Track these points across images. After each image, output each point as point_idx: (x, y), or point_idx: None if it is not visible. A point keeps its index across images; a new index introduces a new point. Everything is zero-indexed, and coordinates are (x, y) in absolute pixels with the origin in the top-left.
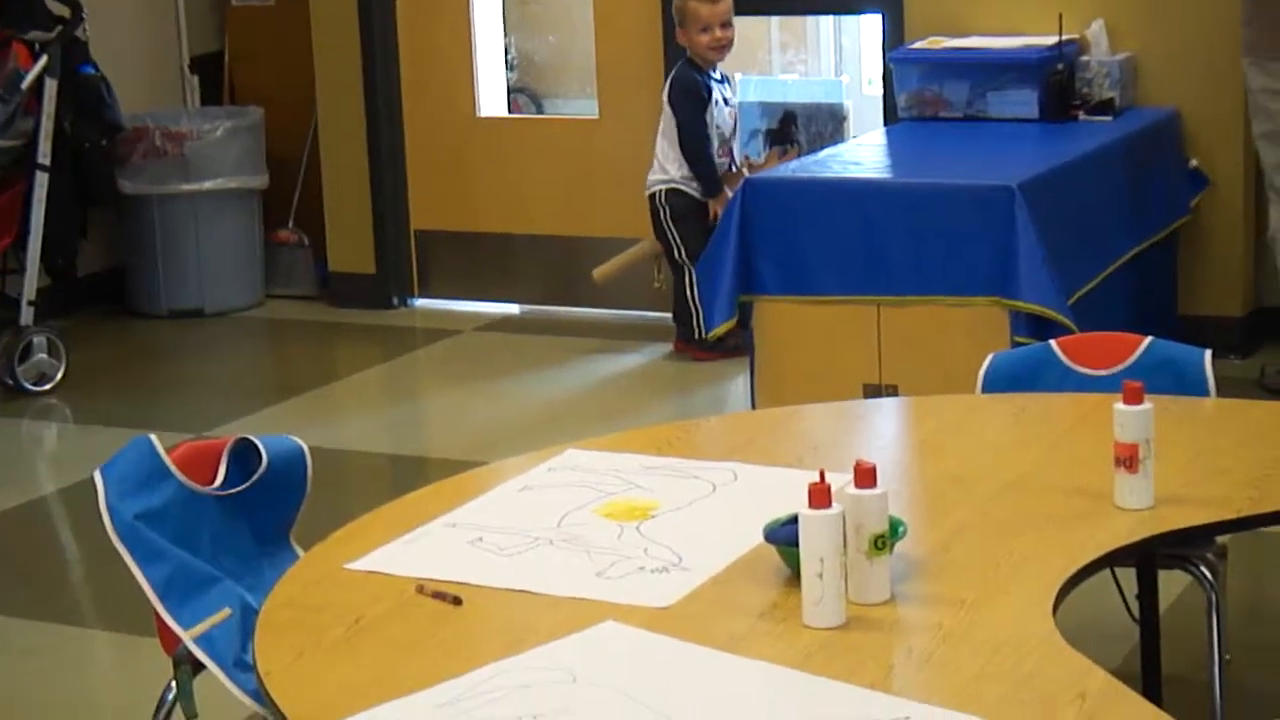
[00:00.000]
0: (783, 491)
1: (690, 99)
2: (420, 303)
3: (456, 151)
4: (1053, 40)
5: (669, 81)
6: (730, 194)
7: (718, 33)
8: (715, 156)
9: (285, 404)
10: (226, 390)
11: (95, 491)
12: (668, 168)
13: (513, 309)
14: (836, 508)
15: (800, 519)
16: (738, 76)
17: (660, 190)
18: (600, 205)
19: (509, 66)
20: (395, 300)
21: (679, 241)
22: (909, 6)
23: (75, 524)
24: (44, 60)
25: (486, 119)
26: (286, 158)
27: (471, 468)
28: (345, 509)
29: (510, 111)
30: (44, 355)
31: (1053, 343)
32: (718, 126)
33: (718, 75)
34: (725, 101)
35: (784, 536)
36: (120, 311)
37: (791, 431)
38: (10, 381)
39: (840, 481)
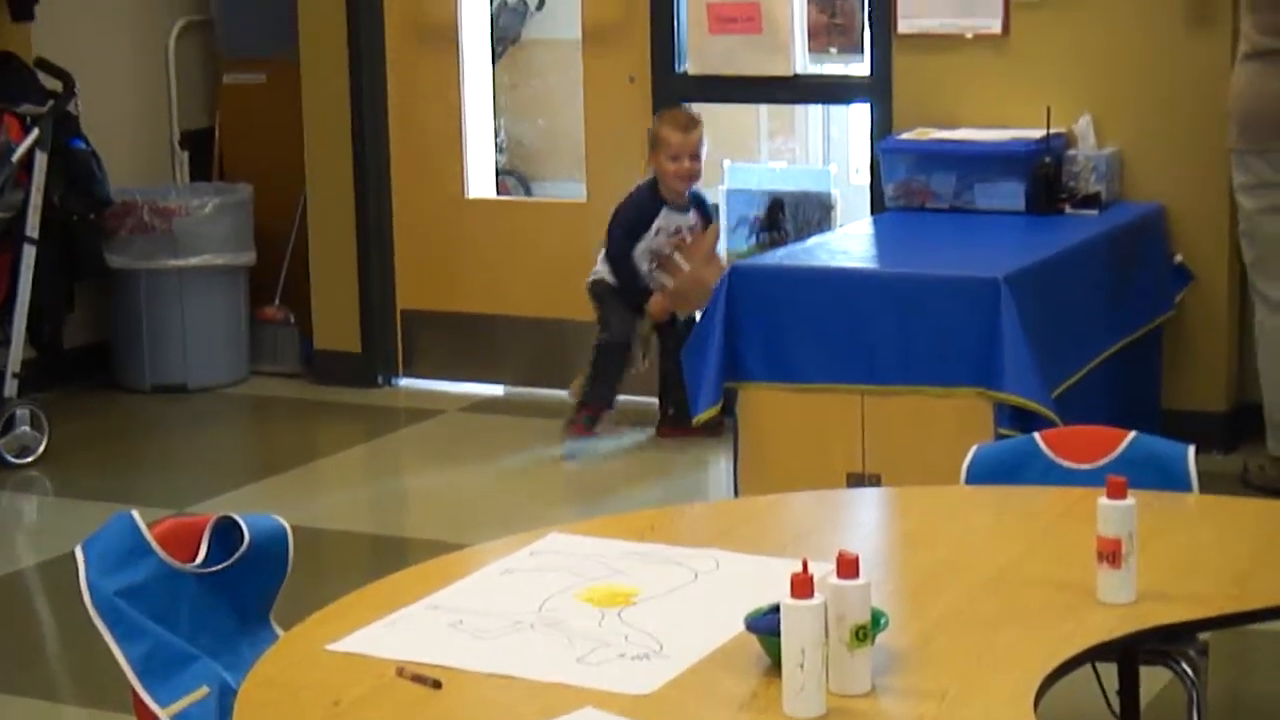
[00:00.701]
0: (765, 580)
1: (626, 226)
2: (405, 382)
3: (444, 232)
4: (1040, 134)
5: (624, 198)
6: (660, 298)
7: (686, 163)
8: (643, 269)
9: (268, 481)
10: (209, 467)
11: (75, 566)
12: (599, 265)
13: (497, 390)
14: (819, 598)
15: (782, 608)
16: (726, 164)
17: (589, 283)
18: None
19: (498, 148)
20: (380, 379)
21: (600, 319)
22: (898, 97)
23: (54, 598)
24: (35, 134)
25: (475, 200)
26: (274, 235)
27: (454, 549)
28: (326, 589)
29: (499, 193)
30: (27, 428)
31: (1036, 436)
32: (651, 249)
33: (682, 203)
34: (675, 231)
35: (765, 626)
36: (105, 386)
37: (775, 519)
38: None
39: (823, 571)
